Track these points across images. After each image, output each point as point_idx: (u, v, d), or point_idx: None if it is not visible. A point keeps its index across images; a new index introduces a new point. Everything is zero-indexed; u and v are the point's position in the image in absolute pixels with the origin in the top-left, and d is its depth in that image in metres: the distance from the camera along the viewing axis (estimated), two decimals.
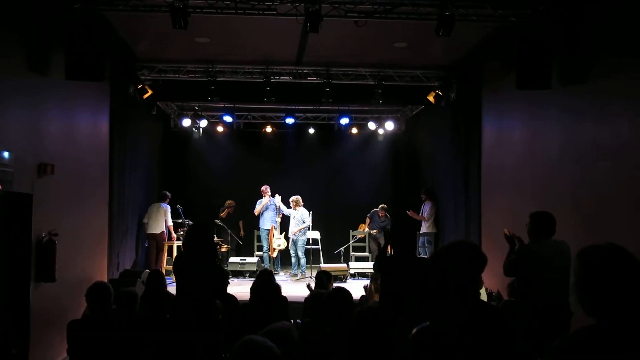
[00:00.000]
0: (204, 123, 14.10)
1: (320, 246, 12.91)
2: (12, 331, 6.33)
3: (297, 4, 7.45)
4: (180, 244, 11.96)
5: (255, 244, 13.95)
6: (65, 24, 7.14)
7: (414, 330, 2.40)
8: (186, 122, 13.69)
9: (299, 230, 12.55)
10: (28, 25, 6.69)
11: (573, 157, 7.22)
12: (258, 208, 12.93)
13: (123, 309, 5.48)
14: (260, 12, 7.66)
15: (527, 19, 7.67)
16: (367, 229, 13.57)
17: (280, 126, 14.71)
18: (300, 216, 12.61)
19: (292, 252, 12.66)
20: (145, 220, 11.79)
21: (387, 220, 13.30)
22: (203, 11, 7.58)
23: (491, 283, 8.75)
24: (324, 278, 7.10)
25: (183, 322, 5.23)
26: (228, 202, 13.77)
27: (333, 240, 13.64)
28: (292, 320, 6.28)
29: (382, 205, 13.54)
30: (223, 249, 12.56)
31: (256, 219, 13.16)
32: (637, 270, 2.03)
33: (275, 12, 7.64)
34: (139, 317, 5.38)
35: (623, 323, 1.98)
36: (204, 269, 5.47)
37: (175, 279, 5.60)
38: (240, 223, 13.94)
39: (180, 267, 5.59)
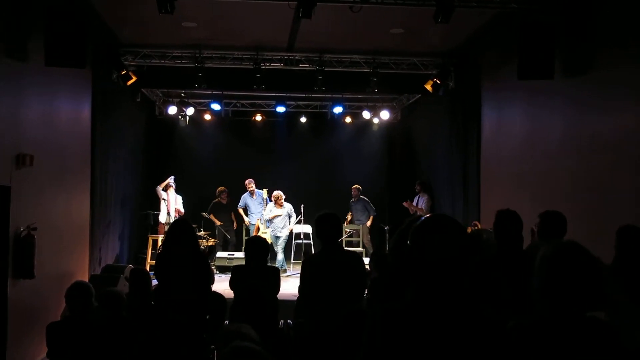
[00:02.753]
0: (190, 111, 13.64)
1: (312, 240, 12.60)
2: None
3: None
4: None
5: (244, 238, 13.64)
6: (46, 7, 6.85)
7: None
8: (172, 110, 13.25)
9: (287, 227, 12.19)
10: (5, 8, 6.36)
11: (574, 149, 7.11)
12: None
13: (106, 309, 5.23)
14: None
15: (529, 6, 7.48)
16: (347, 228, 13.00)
17: (270, 114, 14.33)
18: (288, 212, 12.20)
19: (279, 249, 12.13)
20: None
21: (361, 201, 12.91)
22: None
23: None
24: None
25: (168, 324, 5.05)
26: (220, 188, 13.37)
27: None
28: (282, 321, 6.06)
29: (355, 186, 13.16)
30: (210, 243, 12.23)
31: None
32: (592, 269, 2.24)
33: None
34: (123, 318, 5.17)
35: (570, 315, 2.22)
36: (187, 266, 5.25)
37: (157, 279, 5.35)
38: (232, 215, 13.61)
39: (162, 266, 5.37)
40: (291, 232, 12.50)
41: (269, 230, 12.23)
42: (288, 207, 12.24)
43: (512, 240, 4.30)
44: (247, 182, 12.90)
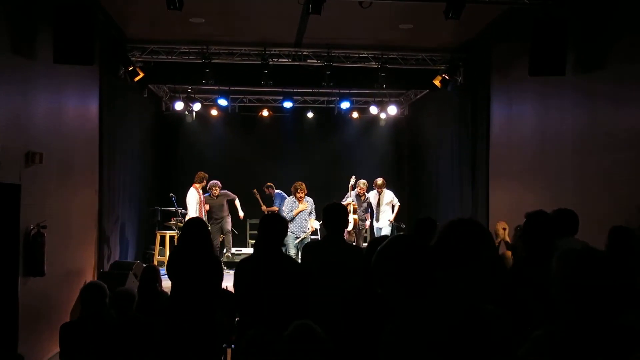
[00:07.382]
0: (197, 106, 13.54)
1: (319, 237, 12.51)
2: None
3: None
4: (173, 234, 11.60)
5: (248, 232, 13.54)
6: (54, 4, 6.77)
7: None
8: (179, 106, 13.22)
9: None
10: (13, 5, 6.27)
11: (587, 147, 6.99)
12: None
13: (119, 309, 5.20)
14: None
15: (541, 0, 7.33)
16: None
17: (277, 110, 14.24)
18: (311, 206, 10.58)
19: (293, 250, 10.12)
20: None
21: (368, 198, 11.89)
22: None
23: None
24: None
25: (180, 324, 5.01)
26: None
27: None
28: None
29: (362, 181, 11.70)
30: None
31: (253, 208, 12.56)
32: (607, 272, 2.15)
33: None
34: (135, 318, 5.13)
35: (591, 321, 2.13)
36: (200, 265, 5.21)
37: (169, 276, 5.31)
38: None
39: (175, 266, 5.32)
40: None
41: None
42: (310, 201, 10.58)
43: (542, 242, 4.15)
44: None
